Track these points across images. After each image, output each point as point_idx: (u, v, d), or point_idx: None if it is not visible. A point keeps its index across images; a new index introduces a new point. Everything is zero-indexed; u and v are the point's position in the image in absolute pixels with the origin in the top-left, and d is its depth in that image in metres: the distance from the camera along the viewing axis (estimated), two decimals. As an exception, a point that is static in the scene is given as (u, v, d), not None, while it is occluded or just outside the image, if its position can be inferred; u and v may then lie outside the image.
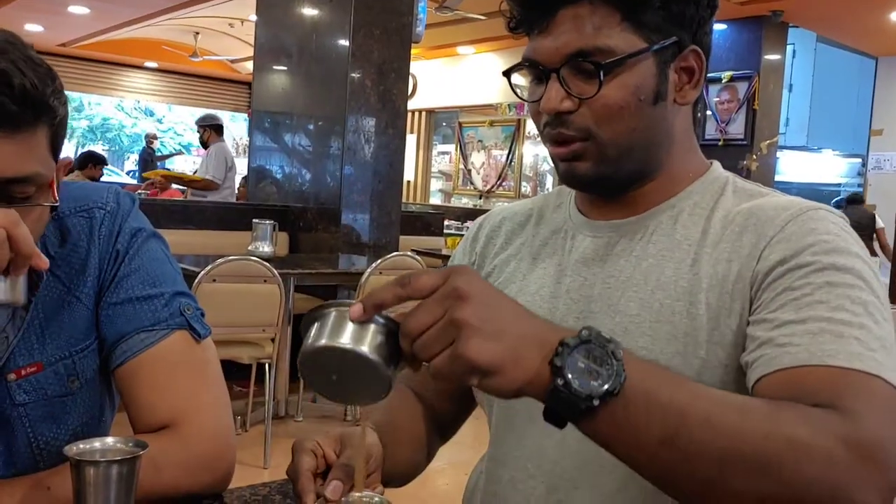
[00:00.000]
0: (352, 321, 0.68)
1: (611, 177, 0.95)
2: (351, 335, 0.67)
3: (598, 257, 0.98)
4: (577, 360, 0.66)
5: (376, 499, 0.83)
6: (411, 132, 10.80)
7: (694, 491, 0.68)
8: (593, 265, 0.98)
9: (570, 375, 0.65)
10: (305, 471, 0.84)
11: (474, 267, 1.11)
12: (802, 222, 0.87)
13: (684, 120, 0.98)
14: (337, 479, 0.82)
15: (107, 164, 9.81)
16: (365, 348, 0.67)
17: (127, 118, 17.54)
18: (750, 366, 0.82)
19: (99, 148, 15.92)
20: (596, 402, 0.65)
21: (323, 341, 0.68)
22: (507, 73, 0.98)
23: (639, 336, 0.90)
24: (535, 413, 0.96)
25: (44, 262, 0.84)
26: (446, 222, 7.01)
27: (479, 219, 1.18)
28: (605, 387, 0.65)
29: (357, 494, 0.82)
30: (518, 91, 0.98)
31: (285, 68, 5.51)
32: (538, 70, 0.93)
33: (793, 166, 10.79)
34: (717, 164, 1.02)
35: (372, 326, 0.68)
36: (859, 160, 10.78)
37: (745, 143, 7.55)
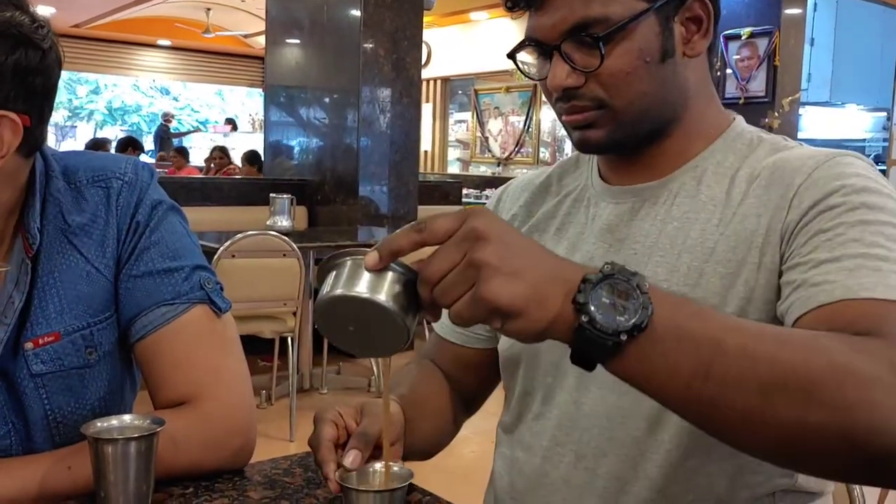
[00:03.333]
0: (367, 270, 0.65)
1: (626, 140, 0.93)
2: (367, 284, 0.65)
3: (622, 223, 0.96)
4: (602, 296, 0.63)
5: (395, 468, 0.82)
6: (427, 101, 10.73)
7: (734, 423, 0.64)
8: (617, 231, 0.96)
9: (594, 311, 0.62)
10: (326, 441, 0.83)
11: None
12: (829, 167, 0.85)
13: (698, 70, 0.95)
14: (355, 449, 0.81)
15: (144, 150, 9.93)
16: (382, 297, 0.64)
17: (143, 98, 17.58)
18: (787, 311, 0.79)
19: (117, 130, 16.01)
20: (623, 338, 0.62)
21: (339, 291, 0.65)
22: (511, 55, 0.96)
23: None
24: (562, 381, 0.96)
25: None
26: (465, 191, 6.98)
27: (498, 191, 1.16)
28: (633, 321, 0.62)
29: (378, 465, 0.82)
30: (525, 69, 0.96)
31: (298, 41, 5.48)
32: (541, 48, 0.91)
33: (816, 122, 10.61)
34: (740, 119, 0.99)
35: (389, 275, 0.65)
36: (884, 114, 10.57)
37: (766, 100, 7.43)
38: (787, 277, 0.81)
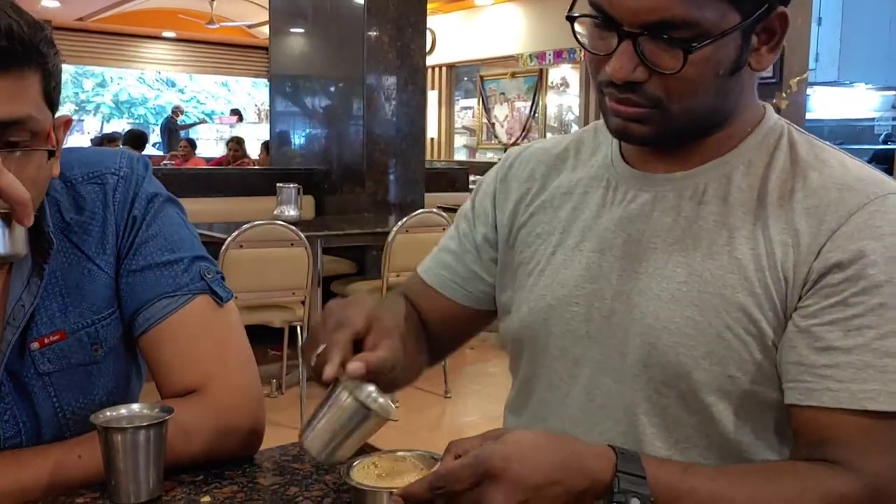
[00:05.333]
0: None
1: (668, 140, 0.90)
2: None
3: (644, 214, 0.93)
4: None
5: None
6: (432, 88, 10.69)
7: None
8: (638, 221, 0.93)
9: None
10: (343, 341, 0.79)
11: (508, 218, 1.05)
12: (869, 215, 0.82)
13: (753, 78, 0.91)
14: (361, 362, 0.77)
15: (146, 145, 9.97)
16: None
17: (150, 90, 17.58)
18: (787, 383, 0.83)
19: (125, 123, 16.02)
20: None
21: None
22: (570, 19, 0.87)
23: (686, 306, 0.87)
24: (573, 370, 0.95)
25: (29, 216, 0.82)
26: (472, 177, 6.95)
27: (511, 155, 1.10)
28: None
29: (369, 388, 0.79)
30: (579, 37, 0.89)
31: (302, 30, 5.46)
32: (613, 26, 0.82)
33: (824, 103, 10.52)
34: (770, 110, 0.95)
35: None
36: (893, 93, 10.48)
37: (773, 81, 7.37)
38: (796, 340, 0.83)
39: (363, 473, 0.81)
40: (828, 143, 0.93)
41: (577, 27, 0.89)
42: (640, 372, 0.89)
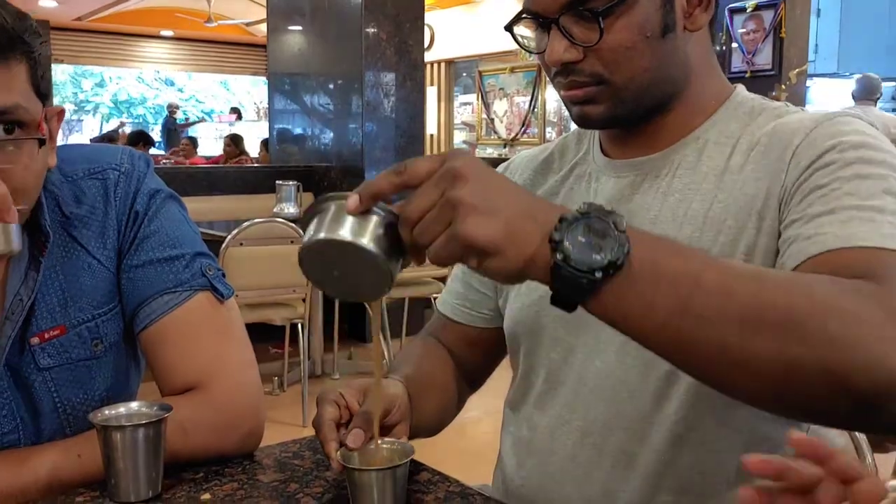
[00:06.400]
0: (349, 214, 0.65)
1: (627, 116, 0.92)
2: (349, 228, 0.65)
3: (624, 197, 0.95)
4: (578, 234, 0.63)
5: (397, 444, 0.83)
6: (431, 84, 10.68)
7: (712, 361, 0.64)
8: (618, 206, 0.95)
9: (570, 249, 0.62)
10: (328, 420, 0.84)
11: None
12: (827, 126, 0.84)
13: (700, 44, 0.93)
14: (358, 427, 0.82)
15: (154, 145, 10.00)
16: (364, 240, 0.64)
17: (148, 90, 17.57)
18: (782, 266, 0.79)
19: (118, 123, 16.01)
20: (599, 275, 0.62)
21: (321, 235, 0.65)
22: (508, 28, 0.94)
23: None
24: (567, 357, 0.96)
25: (7, 210, 0.81)
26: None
27: (500, 168, 1.14)
28: (608, 258, 0.62)
29: (380, 441, 0.82)
30: (524, 43, 0.95)
31: (300, 28, 5.45)
32: (539, 20, 0.89)
33: (824, 94, 10.51)
34: (740, 88, 0.98)
35: (372, 218, 0.65)
36: (893, 84, 10.47)
37: (773, 73, 7.35)
38: (784, 235, 0.81)
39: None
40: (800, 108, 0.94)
41: (517, 36, 0.94)
42: (630, 347, 0.89)
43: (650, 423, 0.90)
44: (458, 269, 1.15)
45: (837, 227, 0.74)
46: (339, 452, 0.81)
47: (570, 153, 1.06)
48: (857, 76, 7.00)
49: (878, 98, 6.86)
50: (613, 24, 0.85)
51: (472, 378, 1.14)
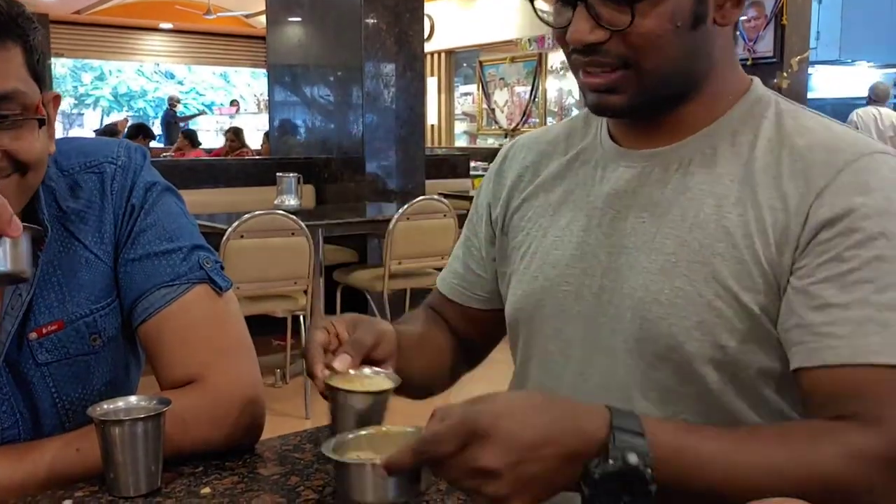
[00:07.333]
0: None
1: (645, 107, 0.90)
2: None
3: (631, 189, 0.93)
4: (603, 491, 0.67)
5: (383, 374, 0.84)
6: (432, 75, 10.65)
7: None
8: (626, 197, 0.93)
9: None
10: (316, 344, 0.85)
11: (502, 207, 1.07)
12: (856, 172, 0.81)
13: (724, 38, 0.91)
14: (345, 353, 0.83)
15: (155, 138, 9.95)
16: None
17: (148, 83, 17.55)
18: (789, 349, 0.81)
19: (124, 116, 16.01)
20: None
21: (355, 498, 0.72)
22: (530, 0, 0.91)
23: (676, 277, 0.86)
24: (567, 351, 0.95)
25: (8, 222, 0.79)
26: (472, 164, 6.93)
27: (504, 149, 1.13)
28: None
29: (366, 369, 0.84)
30: (542, 16, 0.92)
31: (299, 19, 5.44)
32: None
33: (825, 81, 10.48)
34: (757, 82, 0.95)
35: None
36: (895, 70, 10.44)
37: (774, 60, 7.32)
38: (793, 303, 0.81)
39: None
40: (816, 111, 0.92)
41: (537, 9, 0.92)
42: (632, 347, 0.89)
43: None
44: (457, 247, 1.15)
45: (850, 332, 0.76)
46: (325, 375, 0.82)
47: (577, 137, 1.04)
48: (865, 65, 7.12)
49: (887, 100, 7.34)
50: (646, 10, 0.82)
51: (470, 355, 1.14)
